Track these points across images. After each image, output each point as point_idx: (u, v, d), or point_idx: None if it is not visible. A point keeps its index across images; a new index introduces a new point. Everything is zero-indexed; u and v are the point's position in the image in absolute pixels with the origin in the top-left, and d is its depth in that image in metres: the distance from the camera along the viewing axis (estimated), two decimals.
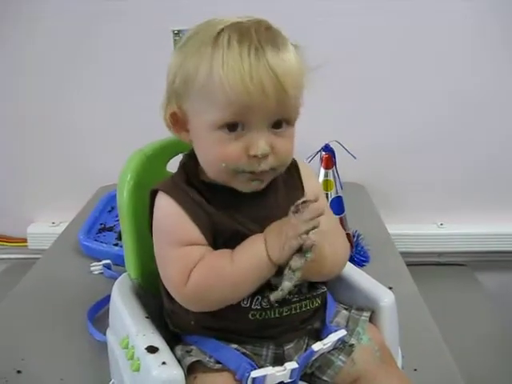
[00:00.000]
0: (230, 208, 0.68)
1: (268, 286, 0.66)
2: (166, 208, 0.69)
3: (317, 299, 0.72)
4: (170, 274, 0.68)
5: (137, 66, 1.52)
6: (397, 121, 1.57)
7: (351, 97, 1.53)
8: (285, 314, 0.69)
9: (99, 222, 1.36)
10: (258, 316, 0.68)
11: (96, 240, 1.27)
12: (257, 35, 0.62)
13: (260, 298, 0.67)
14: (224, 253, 0.67)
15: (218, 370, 0.66)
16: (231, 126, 0.63)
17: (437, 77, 1.53)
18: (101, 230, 1.32)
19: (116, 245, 1.25)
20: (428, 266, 1.68)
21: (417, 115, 1.57)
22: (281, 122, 0.65)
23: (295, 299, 0.69)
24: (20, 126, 1.64)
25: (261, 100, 0.60)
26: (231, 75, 0.60)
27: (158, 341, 0.66)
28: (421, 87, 1.54)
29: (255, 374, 0.63)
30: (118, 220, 1.32)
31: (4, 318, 1.04)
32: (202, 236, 0.67)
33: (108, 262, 1.17)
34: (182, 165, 0.74)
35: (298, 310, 0.70)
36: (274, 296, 0.63)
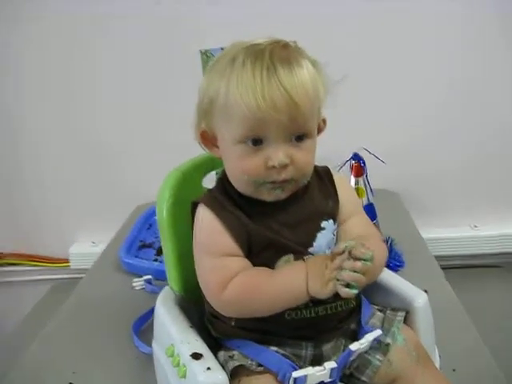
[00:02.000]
0: (266, 217, 0.72)
1: None
2: (205, 220, 0.73)
3: (351, 300, 0.75)
4: (209, 281, 0.72)
5: (171, 86, 1.57)
6: (423, 123, 1.58)
7: (375, 103, 1.55)
8: (320, 313, 0.72)
9: (139, 239, 1.40)
10: (293, 315, 0.71)
11: (136, 257, 1.31)
12: (270, 55, 0.66)
13: None
14: (264, 271, 0.70)
15: (260, 373, 0.68)
16: (251, 141, 0.68)
17: (458, 78, 1.54)
18: (140, 247, 1.37)
19: (156, 260, 1.29)
20: (464, 268, 1.67)
21: (443, 117, 1.57)
22: (302, 136, 0.69)
23: (330, 300, 0.71)
24: (57, 150, 1.70)
25: (274, 115, 0.65)
26: (245, 94, 0.65)
27: (202, 348, 0.70)
28: (444, 88, 1.55)
29: (296, 374, 0.66)
30: (156, 237, 1.38)
31: (54, 334, 1.08)
32: (238, 247, 0.71)
33: (149, 277, 1.21)
34: (220, 179, 0.78)
35: (333, 310, 0.73)
36: None
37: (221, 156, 0.75)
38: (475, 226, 1.70)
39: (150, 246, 1.37)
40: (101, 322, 1.10)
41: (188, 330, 0.74)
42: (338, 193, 0.79)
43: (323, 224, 0.74)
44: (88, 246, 1.78)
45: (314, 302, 0.70)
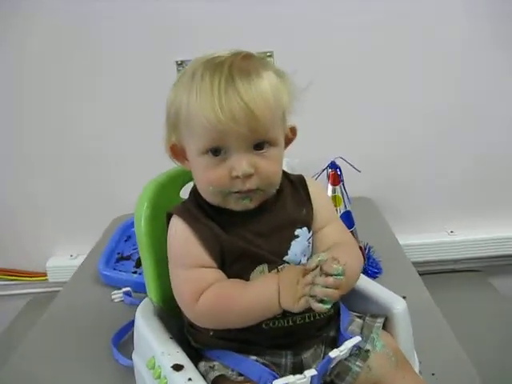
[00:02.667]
0: (238, 227, 0.73)
1: None
2: (178, 231, 0.74)
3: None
4: (183, 292, 0.72)
5: (144, 98, 1.56)
6: (397, 131, 1.59)
7: (351, 114, 1.56)
8: (298, 322, 0.72)
9: (116, 252, 1.39)
10: (271, 325, 0.71)
11: (115, 269, 1.30)
12: (229, 67, 0.67)
13: None
14: (237, 283, 0.71)
15: (241, 382, 0.69)
16: (214, 151, 0.69)
17: (434, 87, 1.56)
18: (119, 260, 1.36)
19: (135, 272, 1.28)
20: (442, 273, 1.70)
21: (417, 124, 1.59)
22: (262, 144, 0.69)
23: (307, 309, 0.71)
24: (32, 163, 1.68)
25: (233, 127, 0.65)
26: (204, 106, 0.66)
27: (183, 359, 0.70)
28: (418, 98, 1.57)
29: (277, 382, 0.66)
30: (135, 249, 1.37)
31: (31, 347, 1.07)
32: (211, 259, 0.72)
33: (128, 289, 1.20)
34: (192, 191, 0.79)
35: (311, 319, 0.73)
36: None
37: (190, 168, 0.76)
38: (451, 232, 1.72)
39: (128, 258, 1.37)
40: (80, 335, 1.09)
41: (168, 342, 0.74)
42: (313, 201, 0.79)
43: (297, 232, 0.75)
44: (66, 259, 1.77)
45: (292, 312, 0.70)
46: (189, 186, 0.86)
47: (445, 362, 0.91)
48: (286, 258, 0.73)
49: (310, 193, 0.80)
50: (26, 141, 1.65)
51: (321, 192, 0.84)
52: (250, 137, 0.67)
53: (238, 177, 0.68)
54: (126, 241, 1.45)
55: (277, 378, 0.67)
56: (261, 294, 0.68)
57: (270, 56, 1.50)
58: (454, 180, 1.67)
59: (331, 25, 1.50)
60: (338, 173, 1.19)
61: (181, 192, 0.90)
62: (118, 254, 1.39)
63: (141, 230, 0.82)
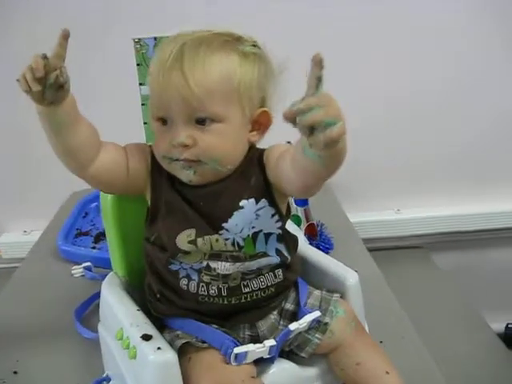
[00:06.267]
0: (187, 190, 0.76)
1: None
2: None
3: (270, 288, 0.78)
4: None
5: (104, 73, 1.56)
6: (346, 107, 1.63)
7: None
8: (233, 302, 0.76)
9: (75, 228, 1.40)
10: (206, 300, 0.75)
11: (74, 244, 1.32)
12: (186, 41, 0.71)
13: (205, 285, 0.75)
14: None
15: (205, 349, 0.72)
16: (161, 120, 0.73)
17: (397, 70, 1.61)
18: (77, 235, 1.37)
19: (93, 248, 1.30)
20: (388, 250, 1.77)
21: (366, 102, 1.61)
22: (203, 119, 0.71)
23: (246, 290, 0.76)
24: None
25: (171, 95, 0.69)
26: (153, 75, 0.71)
27: (151, 329, 0.72)
28: (378, 78, 1.61)
29: (238, 350, 0.70)
30: (93, 224, 1.39)
31: None
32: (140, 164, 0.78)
33: (89, 264, 1.22)
34: None
35: (248, 299, 0.77)
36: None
37: None
38: (398, 210, 1.80)
39: (86, 233, 1.38)
40: (42, 309, 1.11)
41: (136, 313, 0.76)
42: (265, 161, 0.76)
43: (242, 203, 0.74)
44: (19, 235, 1.76)
45: (228, 293, 0.75)
46: None
47: (392, 330, 0.98)
48: (224, 225, 0.74)
49: (264, 159, 0.77)
50: None
51: (273, 147, 0.78)
52: (188, 109, 0.70)
53: (176, 146, 0.71)
54: (84, 217, 1.46)
55: (237, 346, 0.71)
56: None
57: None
58: (401, 161, 1.73)
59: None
60: None
61: None
62: (77, 229, 1.40)
63: (107, 204, 0.84)
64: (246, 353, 0.71)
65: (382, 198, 1.78)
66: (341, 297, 0.82)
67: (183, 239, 0.74)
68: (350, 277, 0.83)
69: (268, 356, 0.74)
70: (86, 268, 1.22)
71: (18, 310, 1.12)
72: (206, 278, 0.75)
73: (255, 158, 0.77)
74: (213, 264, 0.74)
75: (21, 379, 0.92)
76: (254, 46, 0.75)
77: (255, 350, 0.72)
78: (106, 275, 0.98)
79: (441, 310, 1.49)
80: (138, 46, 1.58)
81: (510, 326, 1.82)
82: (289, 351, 0.79)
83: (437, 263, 1.74)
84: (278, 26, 1.47)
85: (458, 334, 1.43)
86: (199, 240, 0.74)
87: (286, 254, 0.78)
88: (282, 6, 1.50)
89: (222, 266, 0.74)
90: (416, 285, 1.58)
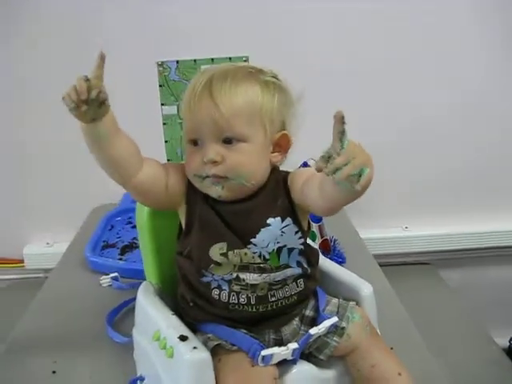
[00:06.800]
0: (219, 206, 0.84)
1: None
2: None
3: (293, 297, 0.85)
4: None
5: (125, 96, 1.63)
6: (359, 131, 1.68)
7: (322, 117, 1.65)
8: (261, 310, 0.83)
9: (102, 240, 1.48)
10: (237, 307, 0.83)
11: (101, 256, 1.39)
12: (213, 73, 0.81)
13: (235, 294, 0.82)
14: None
15: (234, 351, 0.79)
16: (192, 141, 0.83)
17: (401, 87, 1.68)
18: (104, 247, 1.45)
19: (120, 259, 1.38)
20: (396, 266, 1.84)
21: (379, 125, 1.69)
22: (231, 139, 0.80)
23: (273, 299, 0.83)
24: (13, 149, 1.72)
25: (202, 119, 0.79)
26: (184, 104, 0.82)
27: (186, 331, 0.79)
28: (383, 98, 1.68)
29: (264, 352, 0.77)
30: (119, 237, 1.47)
31: (24, 334, 1.13)
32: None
33: (116, 274, 1.28)
34: None
35: (274, 307, 0.84)
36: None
37: None
38: (406, 228, 1.87)
39: (113, 245, 1.45)
40: (73, 317, 1.17)
41: (171, 317, 0.83)
42: (290, 185, 0.84)
43: (269, 221, 0.82)
44: (42, 247, 1.83)
45: (257, 301, 0.82)
46: None
47: (401, 338, 1.04)
48: (252, 240, 0.81)
49: (289, 182, 0.85)
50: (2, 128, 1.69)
51: (296, 172, 0.88)
52: (216, 130, 0.79)
53: (206, 163, 0.79)
54: (109, 230, 1.54)
55: (264, 349, 0.78)
56: None
57: (245, 61, 1.61)
58: (409, 181, 1.80)
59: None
60: None
61: None
62: (104, 241, 1.47)
63: (143, 219, 0.92)
64: (272, 355, 0.78)
65: (391, 215, 1.85)
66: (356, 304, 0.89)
67: (216, 251, 0.82)
68: (364, 288, 0.91)
69: (290, 358, 0.81)
70: (113, 278, 1.28)
71: (52, 316, 1.18)
72: (236, 288, 0.82)
73: (280, 180, 0.86)
74: (242, 275, 0.82)
75: (58, 379, 0.99)
76: (274, 77, 0.85)
77: (280, 352, 0.79)
78: (132, 285, 1.08)
79: (446, 323, 1.56)
80: (161, 69, 1.68)
81: None
82: (308, 354, 0.86)
83: (444, 279, 1.80)
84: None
85: (464, 347, 1.50)
86: (230, 253, 0.82)
87: (305, 265, 0.86)
88: None
89: (251, 277, 0.82)
90: (423, 299, 1.63)
